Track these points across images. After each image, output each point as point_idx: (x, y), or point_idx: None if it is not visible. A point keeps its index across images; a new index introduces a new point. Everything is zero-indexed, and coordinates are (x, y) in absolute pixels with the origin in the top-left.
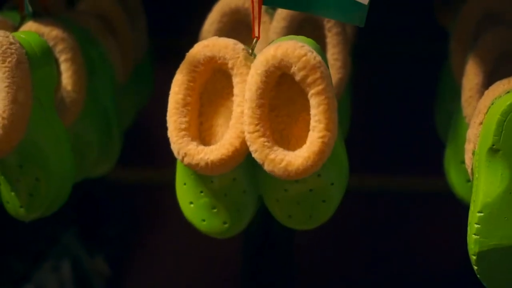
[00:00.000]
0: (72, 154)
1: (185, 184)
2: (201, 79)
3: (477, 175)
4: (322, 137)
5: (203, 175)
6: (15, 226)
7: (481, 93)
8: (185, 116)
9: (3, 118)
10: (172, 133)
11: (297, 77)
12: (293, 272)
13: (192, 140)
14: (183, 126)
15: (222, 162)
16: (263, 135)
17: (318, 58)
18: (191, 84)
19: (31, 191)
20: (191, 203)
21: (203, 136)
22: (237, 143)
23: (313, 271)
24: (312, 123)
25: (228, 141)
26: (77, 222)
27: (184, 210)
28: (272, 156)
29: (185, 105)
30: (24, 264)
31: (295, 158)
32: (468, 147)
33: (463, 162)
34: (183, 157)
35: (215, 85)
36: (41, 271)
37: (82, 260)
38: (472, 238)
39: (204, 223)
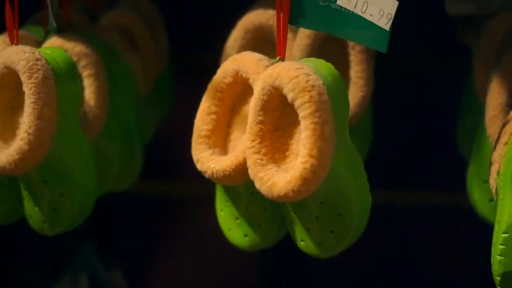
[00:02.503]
0: (96, 170)
1: (218, 191)
2: (230, 90)
3: (501, 196)
4: (304, 162)
5: (229, 186)
6: (34, 239)
7: (505, 112)
8: (207, 124)
9: (28, 134)
10: (193, 139)
11: (289, 99)
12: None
13: (211, 147)
14: (203, 133)
15: (225, 174)
16: (257, 152)
17: (312, 82)
18: (219, 94)
19: (55, 206)
20: (221, 210)
21: (228, 146)
22: (241, 157)
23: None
24: (299, 146)
25: (235, 154)
26: (95, 235)
27: (218, 216)
28: (261, 174)
29: (209, 113)
30: (43, 276)
31: (280, 180)
32: (493, 167)
33: (486, 181)
34: (197, 162)
35: (245, 98)
36: (60, 284)
37: (99, 273)
38: (497, 259)
39: (230, 232)
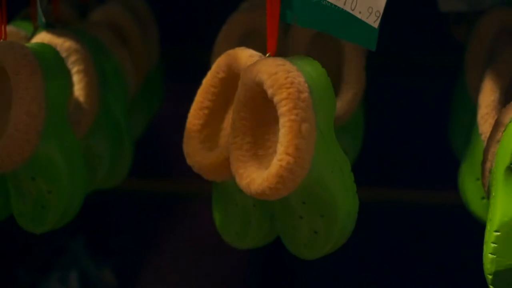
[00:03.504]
0: (85, 167)
1: (214, 187)
2: (223, 85)
3: (493, 194)
4: (280, 160)
5: (220, 182)
6: (22, 236)
7: (497, 110)
8: (199, 119)
9: (16, 130)
10: (185, 133)
11: (268, 95)
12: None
13: (202, 142)
14: (194, 127)
15: (210, 168)
16: (239, 148)
17: (291, 79)
18: (212, 89)
19: (42, 204)
20: (216, 206)
21: (221, 141)
22: (227, 152)
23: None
24: (277, 144)
25: (221, 150)
26: (84, 232)
27: (213, 212)
28: (241, 170)
29: (202, 108)
30: (32, 275)
31: (258, 177)
32: (485, 165)
33: (478, 178)
34: (186, 156)
35: None
36: (48, 282)
37: (89, 271)
38: (489, 257)
39: (222, 228)
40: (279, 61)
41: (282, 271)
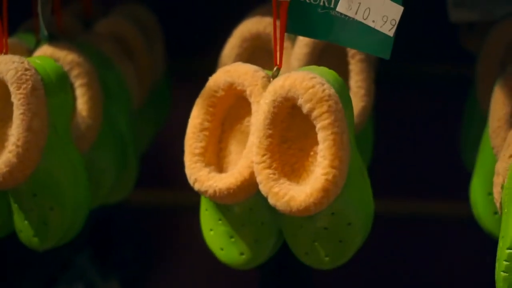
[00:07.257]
0: (88, 183)
1: (206, 210)
2: (222, 104)
3: (506, 210)
4: (325, 174)
5: (222, 204)
6: (28, 249)
7: (509, 124)
8: (201, 141)
9: (17, 146)
10: (187, 158)
11: (304, 110)
12: None
13: (207, 165)
14: (197, 151)
15: (229, 192)
16: (269, 167)
17: (328, 91)
18: (211, 109)
19: (45, 221)
20: (211, 230)
21: (222, 163)
22: (246, 173)
23: None
24: (318, 158)
25: (238, 171)
26: (90, 245)
27: (205, 237)
28: (276, 189)
29: (202, 130)
30: None
31: (299, 194)
32: (497, 180)
33: (490, 193)
34: (194, 182)
35: (238, 111)
36: None
37: (96, 284)
38: (501, 275)
39: (222, 252)
40: (310, 74)
41: (289, 284)
